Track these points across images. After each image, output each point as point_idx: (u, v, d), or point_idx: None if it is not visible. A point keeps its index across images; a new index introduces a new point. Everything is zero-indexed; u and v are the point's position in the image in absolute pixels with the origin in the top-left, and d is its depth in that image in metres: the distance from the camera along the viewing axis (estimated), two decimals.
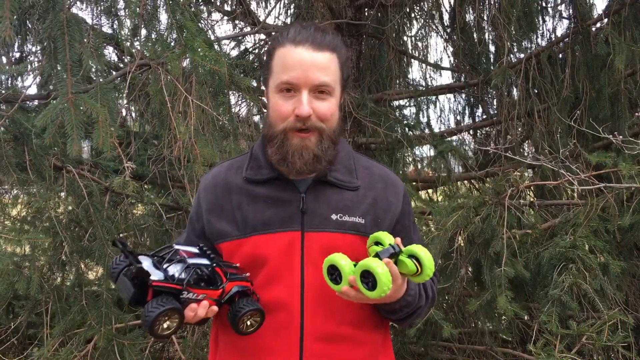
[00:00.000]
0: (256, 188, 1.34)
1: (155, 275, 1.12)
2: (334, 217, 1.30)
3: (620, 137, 2.70)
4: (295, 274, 1.29)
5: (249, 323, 1.24)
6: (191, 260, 1.19)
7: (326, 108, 1.27)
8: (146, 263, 1.16)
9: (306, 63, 1.24)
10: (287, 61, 1.26)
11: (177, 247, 1.23)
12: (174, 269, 1.16)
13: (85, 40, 2.16)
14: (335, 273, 1.18)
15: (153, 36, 2.44)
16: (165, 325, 1.11)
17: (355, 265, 1.17)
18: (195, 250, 1.26)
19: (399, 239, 1.20)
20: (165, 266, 1.17)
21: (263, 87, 1.40)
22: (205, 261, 1.21)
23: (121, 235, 3.50)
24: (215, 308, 1.20)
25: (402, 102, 4.88)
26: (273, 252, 1.30)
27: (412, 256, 1.16)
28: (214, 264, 1.22)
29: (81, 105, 2.00)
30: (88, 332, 2.85)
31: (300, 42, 1.25)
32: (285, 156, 1.27)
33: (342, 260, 1.17)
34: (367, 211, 1.33)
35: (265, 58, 1.36)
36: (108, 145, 2.05)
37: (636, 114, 3.42)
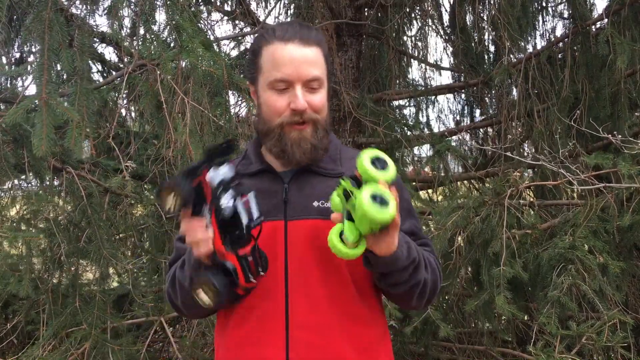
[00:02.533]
0: (244, 181, 1.36)
1: (212, 173, 1.11)
2: (315, 204, 1.32)
3: (620, 136, 2.69)
4: (279, 263, 1.30)
5: (204, 294, 1.16)
6: (239, 206, 1.13)
7: (319, 100, 1.31)
8: (224, 170, 1.14)
9: (297, 59, 1.28)
10: (277, 58, 1.29)
11: (251, 195, 1.17)
12: (228, 197, 1.13)
13: (70, 40, 2.16)
14: (379, 163, 1.12)
15: (149, 37, 2.44)
16: (170, 197, 1.08)
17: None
18: (255, 213, 1.17)
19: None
20: (229, 187, 1.13)
21: (249, 84, 1.41)
22: (244, 220, 1.14)
23: (120, 236, 3.50)
24: (209, 245, 1.14)
25: (401, 102, 4.89)
26: (258, 241, 1.29)
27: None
28: (245, 232, 1.15)
29: (55, 106, 1.99)
30: (78, 333, 2.84)
31: (289, 39, 1.29)
32: (285, 148, 1.31)
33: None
34: None
35: (250, 56, 1.39)
36: (80, 146, 2.06)
37: (636, 113, 3.40)
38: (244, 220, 1.15)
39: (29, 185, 3.14)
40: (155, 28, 2.51)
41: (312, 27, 1.36)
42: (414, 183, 4.24)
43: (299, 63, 1.28)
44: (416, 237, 1.41)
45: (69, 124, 2.10)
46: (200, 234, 1.13)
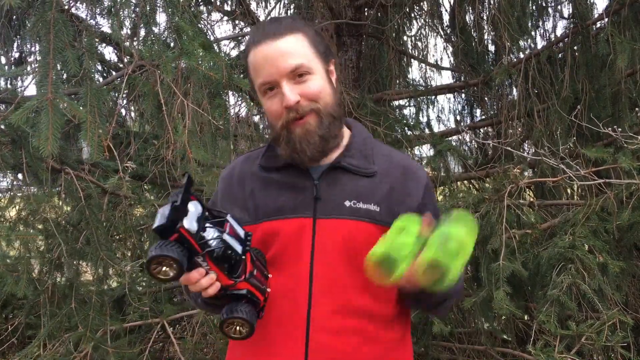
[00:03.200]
0: (270, 174, 1.34)
1: (188, 224, 1.07)
2: (347, 203, 1.27)
3: (620, 129, 2.68)
4: (304, 263, 1.26)
5: (237, 329, 1.18)
6: (227, 238, 1.12)
7: (312, 87, 1.26)
8: (192, 209, 1.10)
9: (271, 56, 1.24)
10: (256, 64, 1.27)
11: (229, 218, 1.17)
12: (210, 234, 1.12)
13: (75, 40, 2.16)
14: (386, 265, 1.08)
15: (149, 38, 2.45)
16: (162, 269, 1.07)
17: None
18: (241, 233, 1.19)
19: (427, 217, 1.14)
20: (206, 225, 1.12)
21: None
22: (238, 247, 1.14)
23: (120, 236, 3.49)
24: (217, 286, 1.15)
25: (401, 102, 4.88)
26: (282, 238, 1.27)
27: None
28: (243, 256, 1.15)
29: (61, 106, 1.99)
30: (73, 336, 2.83)
31: (259, 41, 1.26)
32: (294, 147, 1.27)
33: (394, 253, 1.08)
34: (383, 199, 1.29)
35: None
36: (95, 146, 2.06)
37: (636, 108, 3.40)
38: (238, 248, 1.14)
39: (28, 187, 3.14)
40: (155, 30, 2.51)
41: (283, 17, 1.32)
42: None
43: (273, 59, 1.23)
44: None
45: (70, 124, 2.10)
46: (205, 282, 1.12)
